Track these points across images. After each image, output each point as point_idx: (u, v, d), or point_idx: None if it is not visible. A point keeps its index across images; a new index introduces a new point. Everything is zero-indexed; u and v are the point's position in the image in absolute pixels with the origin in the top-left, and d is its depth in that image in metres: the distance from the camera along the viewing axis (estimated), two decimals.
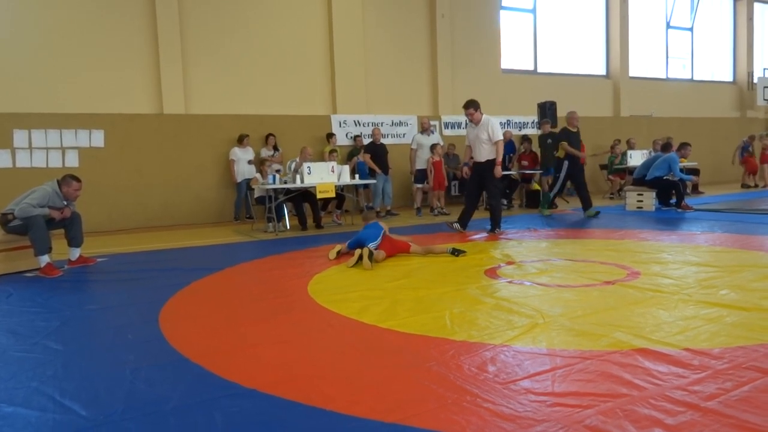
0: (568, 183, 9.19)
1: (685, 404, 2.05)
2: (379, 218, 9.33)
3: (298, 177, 8.04)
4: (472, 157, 7.21)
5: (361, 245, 5.36)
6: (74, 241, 5.80)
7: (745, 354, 2.53)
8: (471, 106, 7.02)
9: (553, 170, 10.72)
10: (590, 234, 6.74)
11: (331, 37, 11.11)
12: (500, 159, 7.01)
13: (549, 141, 10.75)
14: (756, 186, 14.02)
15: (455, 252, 5.40)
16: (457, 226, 7.25)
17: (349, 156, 10.48)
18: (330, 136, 10.60)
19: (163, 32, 9.67)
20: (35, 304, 4.17)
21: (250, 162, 9.88)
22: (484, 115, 7.06)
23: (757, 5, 17.48)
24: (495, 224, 7.10)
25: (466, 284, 4.19)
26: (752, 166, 14.21)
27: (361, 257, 5.12)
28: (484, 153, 6.99)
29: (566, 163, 8.80)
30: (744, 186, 14.11)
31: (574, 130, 8.89)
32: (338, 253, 5.55)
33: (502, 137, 7.00)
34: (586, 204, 8.70)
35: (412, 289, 4.13)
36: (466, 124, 7.97)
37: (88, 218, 7.50)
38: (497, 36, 13.20)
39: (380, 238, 5.48)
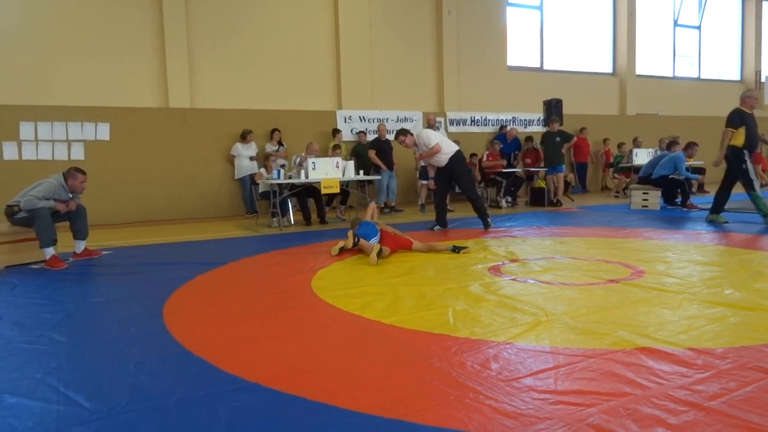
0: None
1: (688, 404, 2.05)
2: (382, 214, 9.34)
3: (302, 172, 8.04)
4: (436, 169, 7.35)
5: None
6: (79, 233, 5.82)
7: (749, 354, 2.53)
8: (400, 134, 7.33)
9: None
10: (595, 232, 6.72)
11: (337, 33, 11.09)
12: (437, 151, 6.97)
13: (557, 139, 10.71)
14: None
15: (456, 249, 5.41)
16: (438, 228, 7.27)
17: (353, 152, 10.47)
18: (336, 131, 10.60)
19: (170, 26, 9.67)
20: (40, 296, 4.20)
21: (252, 158, 9.88)
22: (415, 134, 7.33)
23: (765, 4, 17.33)
24: (483, 216, 7.16)
25: (469, 281, 4.18)
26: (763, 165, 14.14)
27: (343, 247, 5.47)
28: (440, 159, 7.09)
29: (746, 152, 7.11)
30: None
31: (750, 111, 7.19)
32: (341, 249, 5.50)
33: (435, 141, 7.02)
34: (719, 207, 7.36)
35: (415, 285, 4.13)
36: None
37: (93, 211, 7.52)
38: (503, 33, 13.14)
39: (378, 234, 5.56)
